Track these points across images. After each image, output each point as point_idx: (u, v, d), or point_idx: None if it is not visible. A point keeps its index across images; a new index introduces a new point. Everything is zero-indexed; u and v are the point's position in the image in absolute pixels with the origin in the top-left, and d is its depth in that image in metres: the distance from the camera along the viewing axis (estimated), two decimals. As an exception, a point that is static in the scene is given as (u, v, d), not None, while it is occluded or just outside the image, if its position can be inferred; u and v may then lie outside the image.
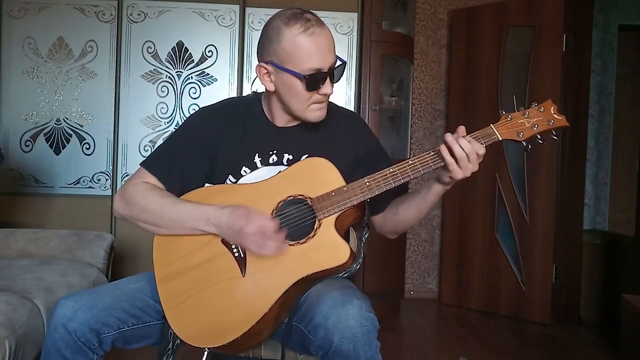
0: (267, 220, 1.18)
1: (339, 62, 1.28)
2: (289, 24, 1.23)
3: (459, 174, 1.17)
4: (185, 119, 1.54)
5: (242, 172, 1.34)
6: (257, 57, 1.32)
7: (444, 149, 1.17)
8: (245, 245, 1.20)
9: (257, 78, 1.32)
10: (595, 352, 2.85)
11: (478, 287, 3.51)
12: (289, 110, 1.32)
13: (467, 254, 3.56)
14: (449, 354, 2.71)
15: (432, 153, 1.21)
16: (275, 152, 1.35)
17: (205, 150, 1.35)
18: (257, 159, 1.35)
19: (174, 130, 1.46)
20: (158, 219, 1.27)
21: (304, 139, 1.36)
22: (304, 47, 1.22)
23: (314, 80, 1.24)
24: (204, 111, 1.41)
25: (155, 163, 1.36)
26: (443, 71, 3.83)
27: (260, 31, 1.30)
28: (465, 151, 1.15)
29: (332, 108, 1.39)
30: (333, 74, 1.27)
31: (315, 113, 1.30)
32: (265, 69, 1.29)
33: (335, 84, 1.29)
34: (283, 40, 1.23)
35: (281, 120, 1.37)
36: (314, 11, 1.28)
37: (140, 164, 1.36)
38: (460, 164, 1.16)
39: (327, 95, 1.29)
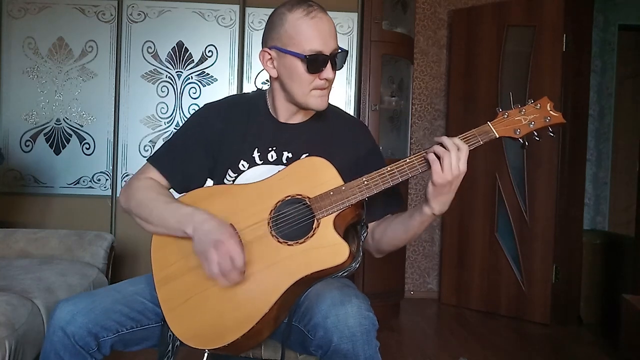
0: (239, 251, 1.14)
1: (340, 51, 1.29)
2: (292, 10, 1.26)
3: (444, 174, 1.15)
4: (187, 117, 1.55)
5: (240, 166, 1.35)
6: (262, 45, 1.34)
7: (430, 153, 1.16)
8: (209, 260, 1.15)
9: (261, 64, 1.33)
10: (595, 352, 2.85)
11: (478, 287, 3.51)
12: (291, 98, 1.32)
13: (467, 254, 3.56)
14: (449, 354, 2.71)
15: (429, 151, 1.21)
16: (274, 148, 1.35)
17: (208, 146, 1.37)
18: (255, 154, 1.35)
19: (180, 126, 1.48)
20: (147, 214, 1.28)
21: (304, 137, 1.36)
22: (305, 30, 1.24)
23: (315, 62, 1.25)
24: (208, 107, 1.43)
25: (159, 159, 1.38)
26: (443, 71, 3.83)
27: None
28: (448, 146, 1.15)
29: (335, 111, 1.41)
30: (335, 60, 1.27)
31: (316, 100, 1.30)
32: (269, 54, 1.31)
33: (335, 84, 1.30)
34: (286, 24, 1.25)
35: (284, 113, 1.37)
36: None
37: (146, 160, 1.39)
38: (443, 162, 1.14)
39: (329, 81, 1.29)
